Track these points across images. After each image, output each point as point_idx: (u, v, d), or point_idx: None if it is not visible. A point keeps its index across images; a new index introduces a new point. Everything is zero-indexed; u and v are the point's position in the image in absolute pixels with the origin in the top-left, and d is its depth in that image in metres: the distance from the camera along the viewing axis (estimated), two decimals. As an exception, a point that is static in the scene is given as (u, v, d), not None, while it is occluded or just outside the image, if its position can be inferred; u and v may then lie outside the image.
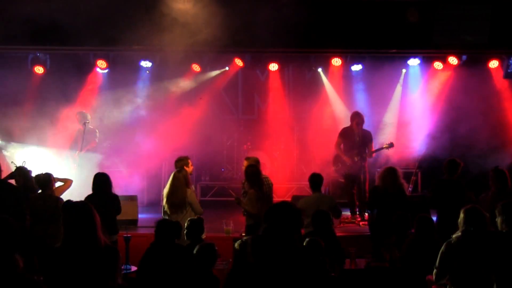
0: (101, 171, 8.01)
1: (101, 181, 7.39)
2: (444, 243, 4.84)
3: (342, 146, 10.08)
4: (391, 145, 10.01)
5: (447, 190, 7.48)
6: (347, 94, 11.81)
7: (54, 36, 9.35)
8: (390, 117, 11.84)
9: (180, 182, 7.59)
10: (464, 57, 10.87)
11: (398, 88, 11.81)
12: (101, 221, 6.76)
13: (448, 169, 7.62)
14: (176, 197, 7.55)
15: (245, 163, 8.19)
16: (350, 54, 11.07)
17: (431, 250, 5.21)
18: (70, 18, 8.98)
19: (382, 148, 10.12)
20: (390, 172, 7.53)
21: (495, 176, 7.27)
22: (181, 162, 8.14)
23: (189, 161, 8.23)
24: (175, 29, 9.13)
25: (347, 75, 11.63)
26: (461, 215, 4.84)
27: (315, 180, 7.59)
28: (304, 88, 11.89)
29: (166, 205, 7.61)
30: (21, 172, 7.72)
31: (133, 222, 9.12)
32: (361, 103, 11.67)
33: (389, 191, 7.42)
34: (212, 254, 5.15)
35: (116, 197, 7.50)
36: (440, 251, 4.84)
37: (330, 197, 7.78)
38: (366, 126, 10.12)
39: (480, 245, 4.67)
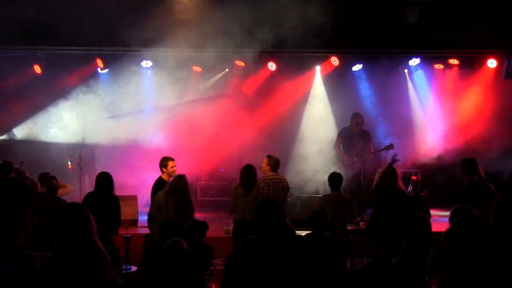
0: (101, 170, 8.00)
1: (104, 180, 7.38)
2: (434, 243, 4.84)
3: (341, 146, 10.09)
4: (391, 146, 10.00)
5: (477, 190, 7.52)
6: (348, 94, 11.80)
7: (54, 36, 9.33)
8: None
9: (189, 190, 7.24)
10: (463, 57, 10.87)
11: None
12: (102, 220, 6.79)
13: (468, 169, 7.66)
14: (191, 209, 7.19)
15: (265, 160, 8.10)
16: (350, 54, 11.07)
17: (429, 250, 5.21)
18: (69, 18, 8.98)
19: (382, 150, 10.12)
20: (389, 172, 7.53)
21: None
22: (160, 163, 8.10)
23: (169, 162, 8.06)
24: (176, 29, 9.13)
25: (347, 75, 11.62)
26: (450, 214, 4.83)
27: (335, 179, 7.63)
28: (304, 88, 11.88)
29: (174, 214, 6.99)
30: (17, 173, 7.72)
31: (133, 222, 9.12)
32: (361, 103, 11.66)
33: (389, 190, 7.41)
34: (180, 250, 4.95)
35: (116, 198, 7.49)
36: (431, 250, 4.84)
37: (348, 198, 7.81)
38: (368, 125, 10.13)
39: (463, 245, 4.61)
